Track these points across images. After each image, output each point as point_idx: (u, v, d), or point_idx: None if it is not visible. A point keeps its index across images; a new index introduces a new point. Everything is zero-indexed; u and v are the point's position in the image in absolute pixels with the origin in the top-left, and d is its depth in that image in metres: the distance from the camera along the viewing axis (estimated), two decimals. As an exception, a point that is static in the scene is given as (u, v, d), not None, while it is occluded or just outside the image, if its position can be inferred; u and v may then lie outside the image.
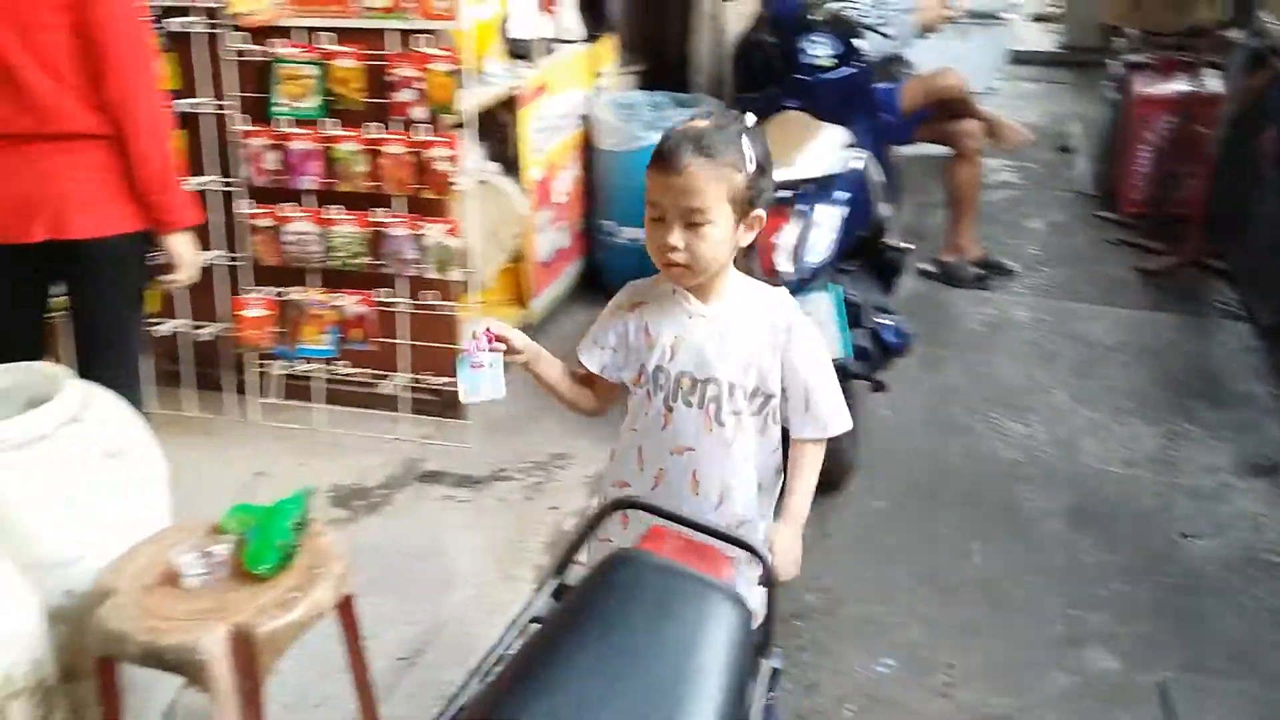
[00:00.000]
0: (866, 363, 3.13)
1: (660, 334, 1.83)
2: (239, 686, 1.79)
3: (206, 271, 3.35)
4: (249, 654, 1.77)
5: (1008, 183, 6.15)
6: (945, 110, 4.48)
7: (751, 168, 1.69)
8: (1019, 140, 4.68)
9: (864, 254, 3.47)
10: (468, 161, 3.38)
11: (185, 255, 2.58)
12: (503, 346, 1.84)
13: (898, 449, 3.52)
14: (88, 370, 2.43)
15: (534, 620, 1.39)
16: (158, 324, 3.46)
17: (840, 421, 1.85)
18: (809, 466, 1.84)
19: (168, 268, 2.59)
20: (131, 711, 2.12)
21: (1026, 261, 4.99)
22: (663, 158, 1.68)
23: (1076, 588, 2.87)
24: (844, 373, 3.11)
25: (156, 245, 2.56)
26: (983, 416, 3.69)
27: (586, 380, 1.99)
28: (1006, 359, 4.10)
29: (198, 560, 1.88)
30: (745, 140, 1.69)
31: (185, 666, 1.74)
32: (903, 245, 3.64)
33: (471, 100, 3.29)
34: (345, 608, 2.00)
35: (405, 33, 3.07)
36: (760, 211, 1.73)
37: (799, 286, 2.99)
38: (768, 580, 1.45)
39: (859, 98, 3.88)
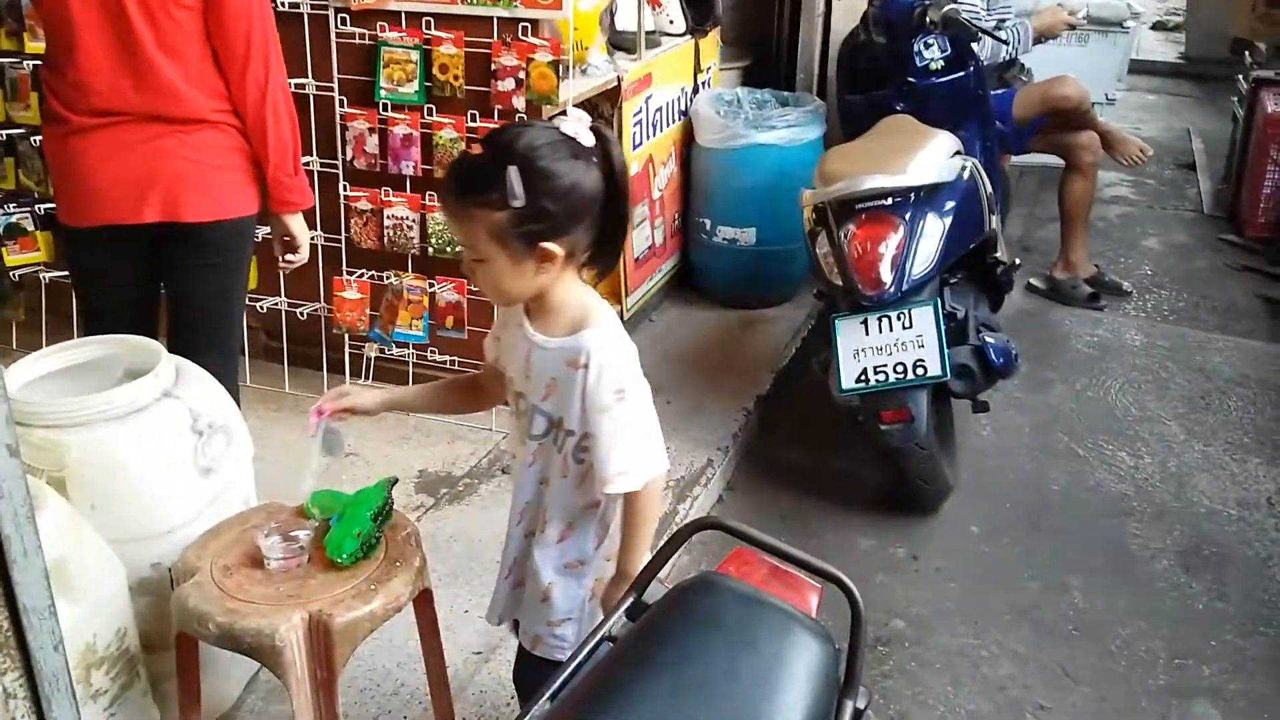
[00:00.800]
0: (968, 381, 3.01)
1: (506, 339, 1.79)
2: (313, 675, 1.77)
3: (309, 251, 3.38)
4: (325, 643, 1.75)
5: (1124, 198, 5.91)
6: (1060, 120, 4.30)
7: (519, 203, 1.52)
8: (1136, 155, 4.47)
9: (971, 268, 3.36)
10: (567, 154, 3.34)
11: (303, 236, 2.60)
12: (345, 417, 1.91)
13: (998, 472, 3.39)
14: (187, 350, 2.44)
15: (609, 639, 1.33)
16: (259, 300, 3.50)
17: (622, 481, 1.64)
18: (628, 520, 1.71)
19: (289, 247, 2.61)
20: (213, 682, 2.14)
21: (1141, 282, 4.78)
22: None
23: (1184, 636, 2.71)
24: (943, 392, 3.02)
25: (268, 225, 2.58)
26: (1089, 444, 3.53)
27: (487, 374, 1.90)
28: (1116, 385, 3.92)
29: (280, 544, 1.86)
30: (512, 174, 1.51)
31: (261, 652, 1.72)
32: (1011, 260, 3.51)
33: (572, 92, 3.25)
34: (423, 601, 1.96)
35: (509, 21, 3.04)
36: (550, 246, 1.56)
37: (900, 299, 2.89)
38: (854, 616, 1.36)
39: (971, 103, 3.73)
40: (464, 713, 2.28)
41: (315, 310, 3.47)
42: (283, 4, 3.15)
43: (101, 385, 2.08)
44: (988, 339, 3.06)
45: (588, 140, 1.58)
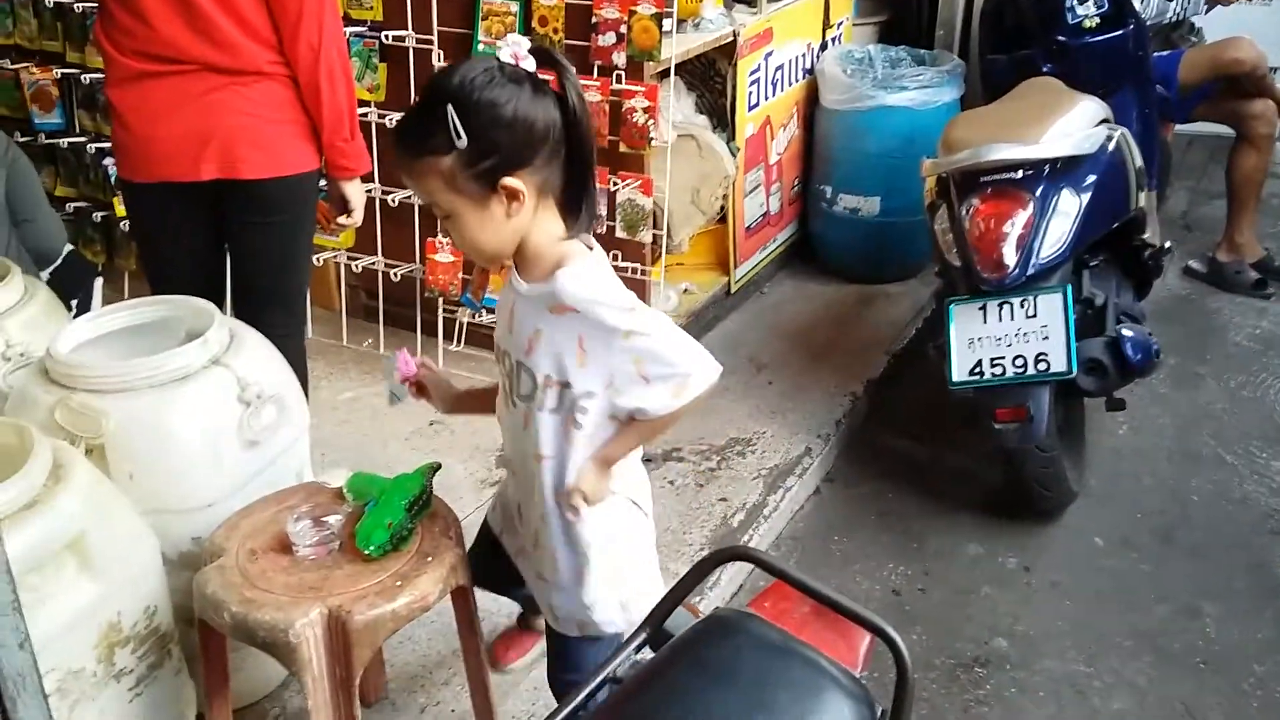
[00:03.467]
0: (1099, 378, 2.70)
1: (500, 303, 1.69)
2: (333, 673, 1.67)
3: (403, 211, 3.31)
4: (343, 642, 1.64)
5: (1303, 175, 5.34)
6: (1233, 86, 3.86)
7: (462, 142, 1.43)
8: None
9: (1115, 249, 3.02)
10: (671, 114, 3.15)
11: (357, 200, 2.50)
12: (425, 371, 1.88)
13: (1131, 478, 3.06)
14: (250, 313, 2.38)
15: (613, 680, 1.16)
16: (356, 259, 3.45)
17: (685, 394, 1.53)
18: (643, 423, 1.59)
19: (342, 209, 2.52)
20: (250, 666, 2.08)
21: (1317, 270, 4.28)
22: None
23: (1333, 680, 2.38)
24: (1070, 389, 2.72)
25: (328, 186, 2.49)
26: (1239, 450, 3.16)
27: None
28: (1278, 384, 3.51)
29: (310, 529, 1.76)
30: (450, 112, 1.42)
31: (275, 647, 1.63)
32: (1162, 243, 3.15)
33: (680, 48, 3.05)
34: (460, 598, 1.84)
35: (612, -29, 2.85)
36: (511, 181, 1.47)
37: (1025, 285, 2.61)
38: (900, 675, 1.15)
39: (1128, 65, 3.35)
40: (514, 711, 2.16)
41: (410, 271, 3.39)
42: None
43: (160, 348, 2.02)
44: (1125, 331, 2.73)
45: (529, 64, 1.48)
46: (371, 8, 3.15)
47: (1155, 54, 3.68)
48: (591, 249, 1.59)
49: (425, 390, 1.89)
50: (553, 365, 1.56)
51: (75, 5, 3.46)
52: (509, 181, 1.47)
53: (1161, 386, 3.42)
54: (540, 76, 1.49)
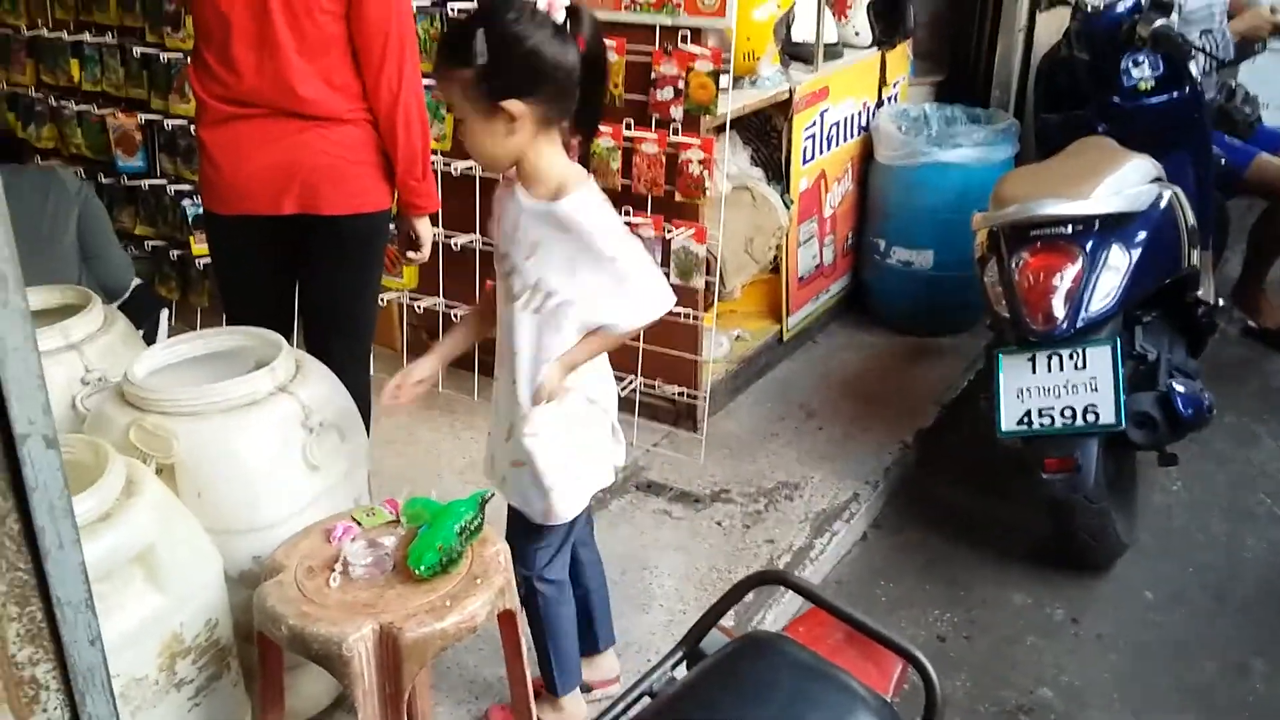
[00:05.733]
0: (1150, 432, 2.70)
1: (498, 209, 1.94)
2: (382, 688, 1.73)
3: (465, 253, 3.41)
4: (394, 657, 1.70)
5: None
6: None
7: (481, 60, 1.70)
8: None
9: (1168, 305, 3.03)
10: (728, 166, 3.23)
11: (426, 236, 2.62)
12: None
13: (1183, 533, 3.04)
14: (319, 344, 2.49)
15: (649, 694, 1.21)
16: (417, 299, 3.56)
17: (647, 312, 1.88)
18: (602, 335, 1.89)
19: (412, 246, 2.63)
20: (306, 682, 2.14)
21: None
22: None
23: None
24: (1121, 442, 2.72)
25: (397, 224, 2.61)
26: (1295, 510, 3.13)
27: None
28: (1336, 445, 3.47)
29: (365, 550, 1.84)
30: (478, 34, 1.70)
31: (329, 660, 1.69)
32: (1216, 301, 3.15)
33: (737, 103, 3.13)
34: (506, 623, 1.89)
35: (671, 29, 2.95)
36: (511, 105, 1.73)
37: (1074, 337, 2.63)
38: (929, 700, 1.18)
39: (1183, 127, 3.38)
40: (555, 739, 2.20)
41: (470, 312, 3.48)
42: (453, 12, 3.18)
43: (230, 375, 2.12)
44: (1177, 386, 2.74)
45: (559, 17, 1.74)
46: (440, 60, 3.28)
47: (1225, 139, 3.70)
48: (588, 176, 1.87)
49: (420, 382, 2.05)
50: (545, 273, 1.83)
51: (160, 55, 3.65)
52: (511, 104, 1.74)
53: (1217, 443, 3.39)
54: (566, 26, 1.75)
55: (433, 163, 3.24)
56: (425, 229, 2.61)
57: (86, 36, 3.87)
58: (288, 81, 2.32)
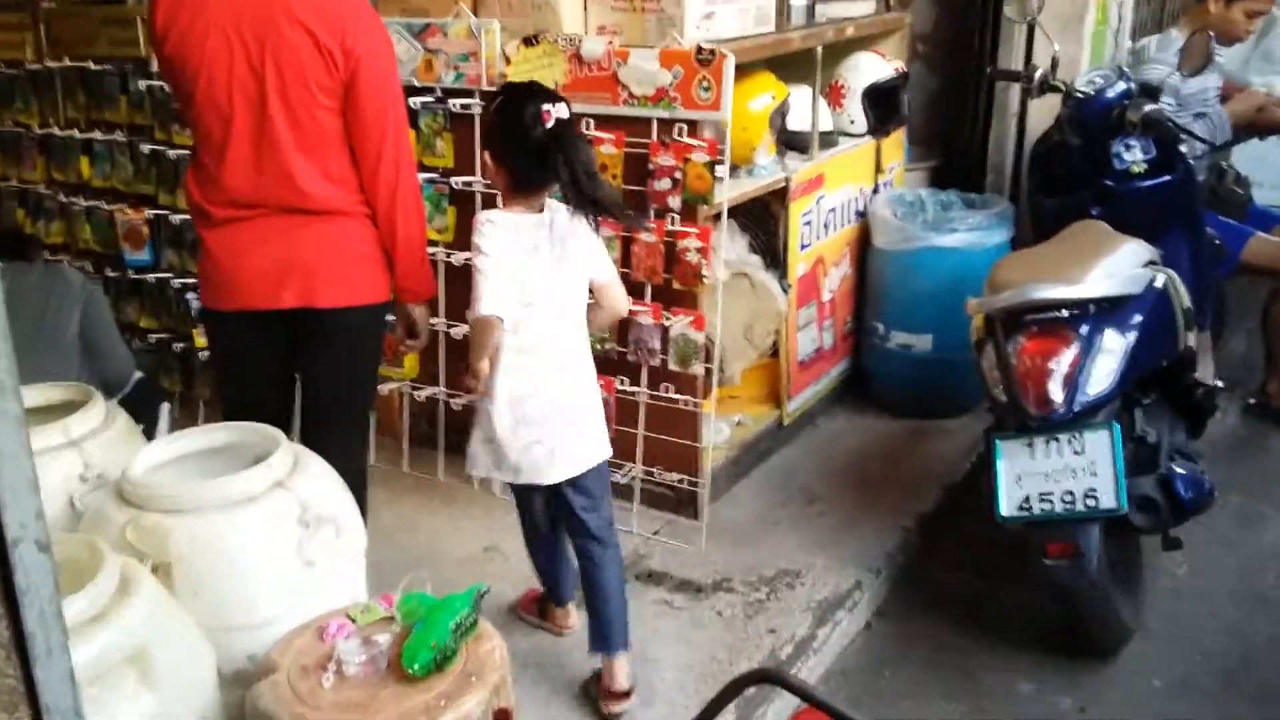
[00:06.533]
0: (1152, 515, 2.69)
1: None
2: (375, 791, 1.70)
3: (465, 344, 3.43)
4: (387, 760, 1.67)
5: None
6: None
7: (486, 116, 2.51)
8: None
9: (1167, 387, 3.03)
10: (726, 253, 3.27)
11: (423, 323, 2.66)
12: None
13: (1191, 618, 3.01)
14: (316, 435, 2.50)
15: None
16: (418, 389, 3.58)
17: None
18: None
19: (410, 333, 2.66)
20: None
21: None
22: None
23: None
24: (1123, 526, 2.71)
25: (394, 313, 2.64)
26: (1307, 594, 3.09)
27: None
28: (1346, 527, 3.44)
29: (359, 647, 1.82)
30: (497, 99, 2.36)
31: (321, 763, 1.67)
32: (1212, 382, 3.16)
33: (733, 192, 3.18)
34: (502, 721, 1.87)
35: (668, 122, 3.01)
36: (486, 153, 2.38)
37: (1072, 421, 2.63)
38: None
39: (1177, 210, 3.42)
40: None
41: (470, 401, 3.49)
42: (456, 106, 3.25)
43: (229, 470, 2.12)
44: (1178, 469, 2.73)
45: (556, 116, 2.25)
46: (443, 156, 3.35)
47: (1220, 220, 3.75)
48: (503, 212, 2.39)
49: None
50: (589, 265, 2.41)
51: (168, 152, 3.72)
52: (486, 153, 2.37)
53: (1223, 526, 3.36)
54: (550, 121, 2.23)
55: (433, 253, 3.32)
56: (422, 316, 2.65)
57: (97, 134, 3.97)
58: (287, 177, 2.37)
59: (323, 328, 2.50)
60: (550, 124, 2.23)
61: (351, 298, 2.49)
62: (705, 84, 2.93)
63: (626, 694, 2.52)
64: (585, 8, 3.18)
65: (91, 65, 3.84)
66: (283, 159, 2.36)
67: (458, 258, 3.37)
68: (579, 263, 2.38)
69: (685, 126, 3.00)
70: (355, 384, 2.62)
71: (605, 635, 2.54)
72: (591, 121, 3.10)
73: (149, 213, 3.84)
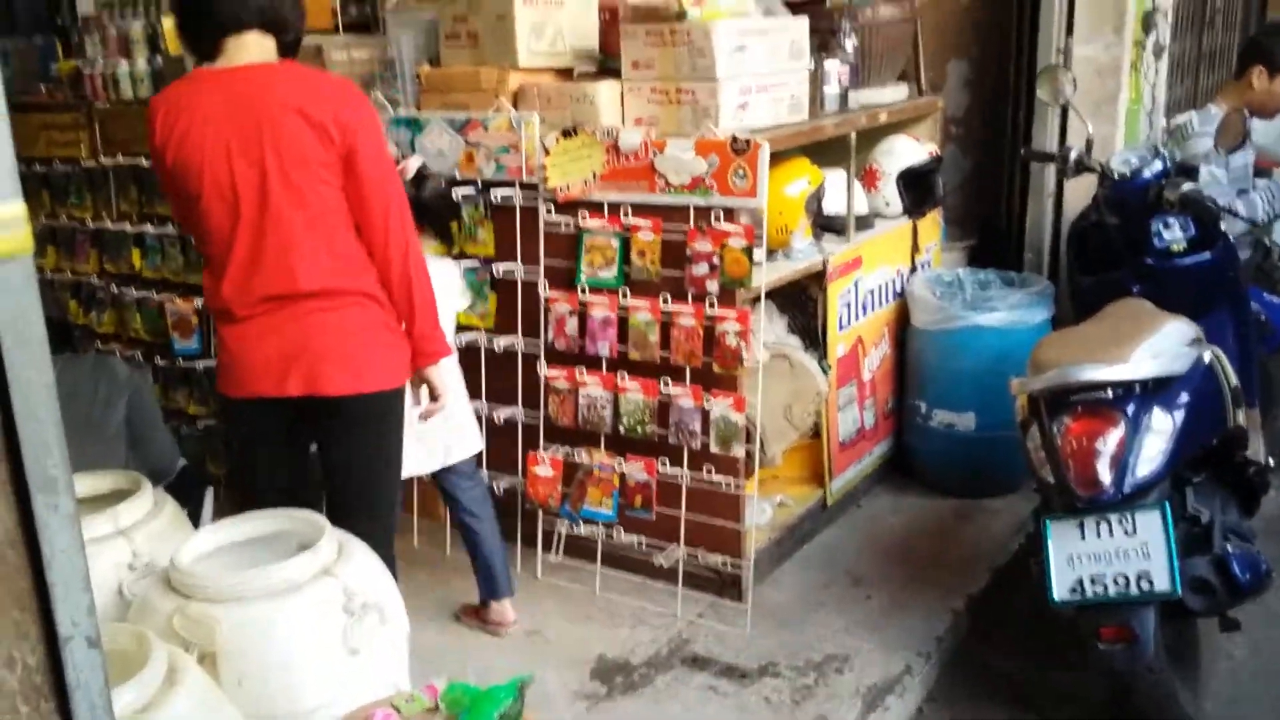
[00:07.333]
0: (1207, 597, 2.63)
1: None
2: None
3: (508, 427, 3.47)
4: None
5: None
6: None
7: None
8: None
9: (1218, 466, 2.98)
10: (765, 335, 3.28)
11: (442, 386, 2.67)
12: None
13: (1252, 702, 2.92)
14: (338, 517, 2.50)
15: None
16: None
17: None
18: None
19: (430, 396, 2.68)
20: None
21: None
22: None
23: None
24: (1179, 608, 2.64)
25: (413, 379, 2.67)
26: (1371, 678, 2.99)
27: None
28: None
29: (403, 739, 1.81)
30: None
31: None
32: (1264, 460, 3.10)
33: (771, 275, 3.21)
34: (547, 814, 1.84)
35: (704, 209, 3.06)
36: None
37: (1122, 502, 2.59)
38: None
39: (1218, 287, 3.39)
40: None
41: (511, 484, 3.51)
42: (496, 197, 3.32)
43: (276, 558, 2.14)
44: (1232, 549, 2.67)
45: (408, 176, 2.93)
46: (484, 244, 3.42)
47: (1265, 296, 3.72)
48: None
49: None
50: None
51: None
52: None
53: (1281, 606, 3.28)
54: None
55: (474, 338, 3.37)
56: (438, 378, 2.66)
57: (148, 228, 4.09)
58: (296, 262, 2.42)
59: (334, 415, 2.54)
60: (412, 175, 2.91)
61: (357, 385, 2.50)
62: (741, 172, 2.98)
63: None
64: (622, 100, 3.25)
65: (143, 162, 3.96)
66: (290, 243, 2.41)
67: (499, 343, 3.41)
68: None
69: (722, 213, 3.04)
70: (373, 471, 2.63)
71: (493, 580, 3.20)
72: (630, 209, 3.15)
73: (198, 302, 3.93)
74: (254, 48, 2.44)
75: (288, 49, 2.52)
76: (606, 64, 3.43)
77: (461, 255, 3.42)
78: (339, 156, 2.42)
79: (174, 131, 2.42)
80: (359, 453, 2.58)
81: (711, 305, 3.08)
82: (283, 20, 2.47)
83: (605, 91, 3.23)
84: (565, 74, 3.44)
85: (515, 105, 3.33)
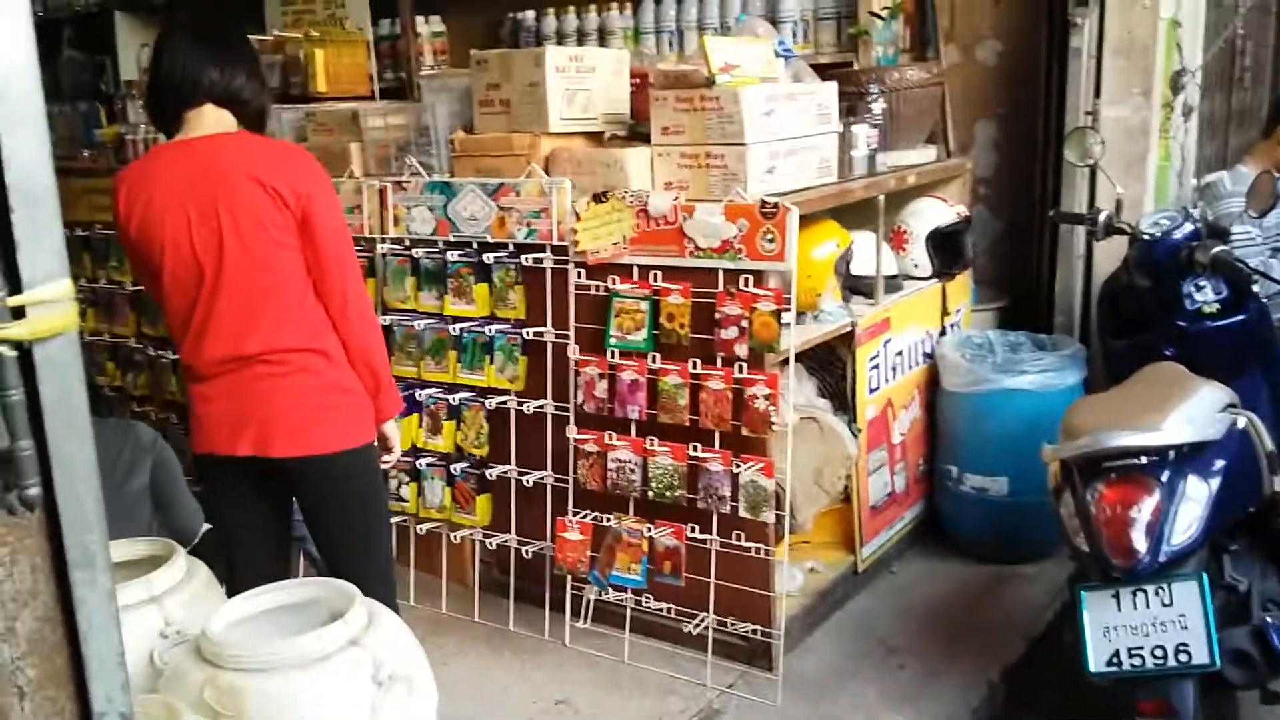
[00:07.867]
0: (1247, 670, 2.57)
1: None
2: None
3: (536, 490, 3.47)
4: None
5: None
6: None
7: None
8: None
9: (1256, 533, 2.94)
10: (794, 398, 3.28)
11: (395, 439, 2.77)
12: None
13: (1296, 779, 2.84)
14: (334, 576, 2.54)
15: None
16: (490, 536, 3.60)
17: None
18: None
19: (384, 449, 2.76)
20: None
21: None
22: None
23: None
24: (1217, 681, 2.59)
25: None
26: None
27: None
28: None
29: (431, 814, 1.79)
30: None
31: None
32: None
33: (800, 338, 3.21)
34: None
35: (733, 272, 3.07)
36: None
37: (1158, 572, 2.55)
38: None
39: (1252, 349, 3.36)
40: None
41: (541, 549, 3.50)
42: (527, 260, 3.36)
43: (306, 627, 2.14)
44: (1270, 620, 2.62)
45: None
46: (515, 308, 3.44)
47: None
48: None
49: None
50: None
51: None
52: None
53: (1327, 680, 3.20)
54: None
55: (504, 401, 3.39)
56: (393, 430, 2.76)
57: (186, 291, 4.14)
58: (243, 327, 2.49)
59: (291, 478, 2.60)
60: None
61: (308, 448, 2.55)
62: (769, 235, 3.00)
63: None
64: (652, 165, 3.29)
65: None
66: (245, 307, 2.47)
67: (529, 406, 3.43)
68: None
69: (751, 277, 3.05)
70: (345, 530, 2.66)
71: None
72: (659, 274, 3.17)
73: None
74: (210, 120, 2.53)
75: (250, 120, 2.62)
76: (637, 128, 3.48)
77: (492, 318, 3.45)
78: (295, 221, 2.49)
79: (136, 204, 2.50)
80: (327, 513, 2.64)
81: (740, 369, 3.08)
82: (234, 94, 2.56)
83: (635, 157, 3.27)
84: (596, 138, 3.48)
85: (547, 170, 3.37)
